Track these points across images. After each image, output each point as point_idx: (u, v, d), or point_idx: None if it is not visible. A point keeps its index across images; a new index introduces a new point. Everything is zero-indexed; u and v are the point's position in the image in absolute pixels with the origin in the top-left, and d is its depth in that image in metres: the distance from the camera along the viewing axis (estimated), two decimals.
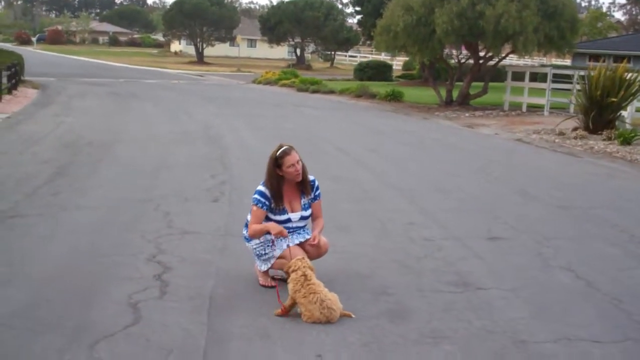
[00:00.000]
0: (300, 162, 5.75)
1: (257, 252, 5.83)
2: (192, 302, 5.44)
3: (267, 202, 5.74)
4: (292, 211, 5.85)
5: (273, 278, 5.92)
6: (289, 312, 5.26)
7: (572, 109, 24.22)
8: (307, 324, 5.07)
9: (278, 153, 5.72)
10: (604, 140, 17.99)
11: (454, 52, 28.81)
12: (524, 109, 25.82)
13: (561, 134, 19.25)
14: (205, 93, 29.32)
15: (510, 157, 14.76)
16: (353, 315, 5.22)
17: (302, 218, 5.90)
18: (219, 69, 55.80)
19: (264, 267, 5.83)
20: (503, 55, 26.74)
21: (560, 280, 6.25)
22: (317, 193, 5.95)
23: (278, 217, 5.80)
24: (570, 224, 8.49)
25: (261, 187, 5.79)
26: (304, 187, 5.88)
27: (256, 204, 5.76)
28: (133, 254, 6.58)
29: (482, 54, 26.50)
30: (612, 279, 6.32)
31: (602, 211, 9.28)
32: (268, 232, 5.66)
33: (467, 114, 24.30)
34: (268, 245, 5.75)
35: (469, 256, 6.89)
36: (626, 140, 17.06)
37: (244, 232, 5.95)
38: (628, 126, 19.30)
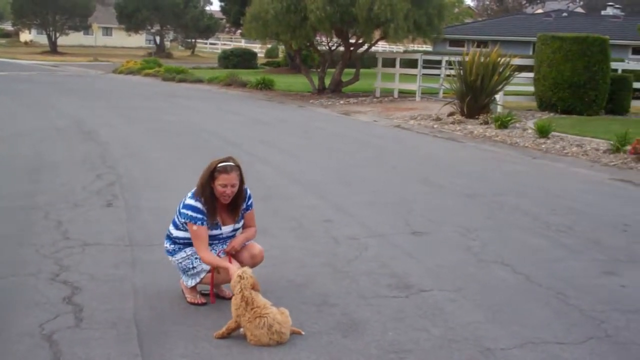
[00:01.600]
0: (234, 188, 5.12)
1: (183, 267, 5.18)
2: (115, 329, 4.74)
3: (204, 218, 5.09)
4: (224, 224, 5.25)
5: (202, 294, 5.28)
6: (231, 334, 4.64)
7: (441, 94, 24.71)
8: (255, 346, 4.47)
9: (218, 166, 5.08)
10: (481, 124, 18.33)
11: (325, 39, 28.62)
12: (396, 94, 26.07)
13: (438, 119, 19.49)
14: (65, 85, 27.58)
15: (398, 145, 14.70)
16: (302, 332, 4.70)
17: (234, 230, 5.33)
18: (75, 58, 53.00)
19: (191, 283, 5.20)
20: (373, 41, 26.83)
21: (499, 277, 6.03)
22: (249, 203, 5.34)
23: (210, 232, 5.15)
24: (484, 213, 8.35)
25: (191, 201, 5.14)
26: (233, 210, 5.27)
27: (194, 222, 5.08)
28: (31, 273, 5.75)
29: (352, 40, 26.45)
30: (549, 272, 6.17)
31: (507, 198, 9.24)
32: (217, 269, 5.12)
33: (341, 102, 24.20)
34: (196, 258, 5.10)
35: (399, 255, 6.55)
36: (503, 124, 17.45)
37: (166, 244, 5.29)
38: (500, 109, 19.81)
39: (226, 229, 5.23)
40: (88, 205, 8.12)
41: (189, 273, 5.18)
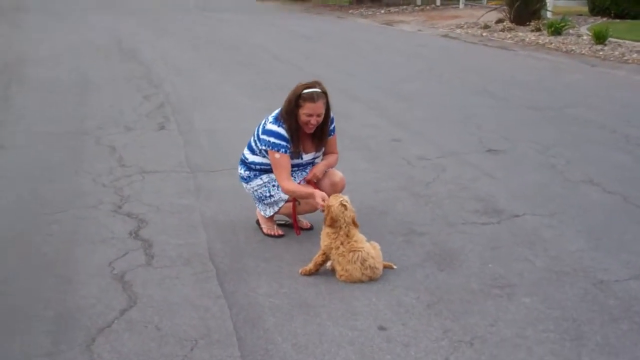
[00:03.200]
0: (320, 117, 4.62)
1: (259, 195, 4.77)
2: (190, 266, 4.38)
3: (288, 145, 4.62)
4: (305, 152, 4.77)
5: (279, 225, 4.88)
6: (319, 270, 4.26)
7: (486, 0, 23.60)
8: (347, 284, 4.10)
9: (303, 92, 4.55)
10: (532, 31, 17.46)
11: None
12: (438, 2, 25.02)
13: (486, 27, 18.60)
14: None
15: (448, 56, 14.02)
16: (394, 266, 4.29)
17: (315, 157, 4.86)
18: None
19: (269, 212, 4.80)
20: None
21: (593, 198, 5.56)
22: (331, 127, 4.82)
23: (292, 162, 4.67)
24: (557, 128, 7.81)
25: (273, 126, 4.65)
26: (317, 139, 4.78)
27: (276, 150, 4.62)
28: (92, 204, 5.38)
29: None
30: None
31: (576, 110, 8.66)
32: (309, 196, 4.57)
33: (382, 11, 23.31)
34: (274, 186, 4.67)
35: (479, 175, 6.09)
36: (557, 30, 16.56)
37: (241, 169, 4.91)
38: (550, 15, 18.81)
39: (307, 157, 4.79)
40: (140, 128, 7.73)
41: (266, 202, 4.78)
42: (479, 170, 6.21)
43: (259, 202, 4.82)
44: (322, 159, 4.86)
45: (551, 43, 15.80)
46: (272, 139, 4.55)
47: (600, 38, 15.08)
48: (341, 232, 4.17)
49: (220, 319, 3.75)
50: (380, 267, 4.21)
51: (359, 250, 4.13)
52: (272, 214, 4.79)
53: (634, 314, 3.75)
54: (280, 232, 4.85)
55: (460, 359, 3.37)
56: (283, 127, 4.58)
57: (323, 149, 4.82)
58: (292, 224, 4.87)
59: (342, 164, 5.15)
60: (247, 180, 4.81)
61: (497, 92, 9.75)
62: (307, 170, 4.80)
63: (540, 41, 16.08)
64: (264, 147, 4.59)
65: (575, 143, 7.18)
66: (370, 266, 4.15)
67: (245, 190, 4.89)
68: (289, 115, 4.56)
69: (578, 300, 3.93)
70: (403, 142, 7.18)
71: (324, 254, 4.23)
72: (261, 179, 4.75)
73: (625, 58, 13.59)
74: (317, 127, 4.63)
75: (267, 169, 4.71)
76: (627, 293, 4.01)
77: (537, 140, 7.17)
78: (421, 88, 10.08)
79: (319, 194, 4.37)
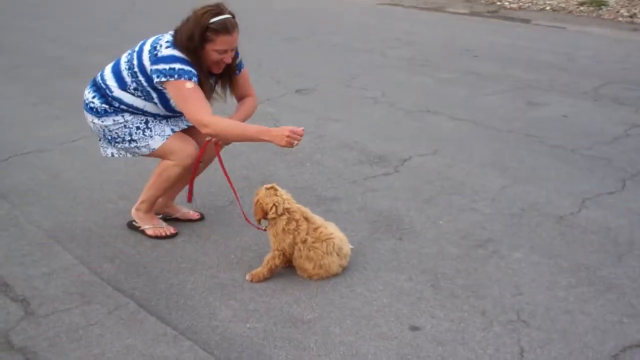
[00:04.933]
0: (234, 52, 3.44)
1: (113, 136, 3.56)
2: (97, 304, 3.12)
3: (197, 74, 3.34)
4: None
5: (166, 219, 3.76)
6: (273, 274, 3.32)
7: None
8: (322, 281, 3.24)
9: (213, 22, 3.29)
10: None
11: None
12: None
13: None
14: None
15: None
16: (351, 246, 3.51)
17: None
18: None
19: (110, 153, 3.68)
20: None
21: (449, 128, 5.38)
22: (238, 62, 3.60)
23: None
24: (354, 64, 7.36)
25: (175, 52, 3.33)
26: (223, 78, 3.60)
27: (187, 78, 3.30)
28: None
29: None
30: None
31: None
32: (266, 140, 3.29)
33: None
34: (140, 130, 3.51)
35: (320, 120, 5.37)
36: None
37: (93, 97, 3.55)
38: None
39: None
40: None
41: (120, 146, 3.57)
42: (309, 114, 5.50)
43: (110, 143, 3.58)
44: (238, 107, 3.66)
45: None
46: (177, 66, 3.28)
47: None
48: (300, 221, 3.22)
49: None
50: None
51: (331, 238, 3.25)
52: (169, 132, 3.53)
53: (615, 242, 3.54)
54: (173, 230, 3.69)
55: (532, 336, 2.77)
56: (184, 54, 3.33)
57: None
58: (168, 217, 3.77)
59: None
60: (100, 114, 3.51)
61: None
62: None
63: None
64: (163, 79, 3.29)
65: (371, 71, 6.83)
66: (345, 254, 3.31)
67: (88, 122, 3.59)
68: (191, 54, 3.33)
69: (565, 244, 3.57)
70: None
71: (282, 254, 3.25)
72: (123, 116, 3.49)
73: None
74: None
75: (135, 112, 3.48)
76: (594, 223, 3.76)
77: (340, 75, 6.68)
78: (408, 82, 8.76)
79: (287, 128, 3.23)
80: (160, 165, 3.57)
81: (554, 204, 4.00)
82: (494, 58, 7.61)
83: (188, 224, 3.82)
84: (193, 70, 3.28)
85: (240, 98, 3.65)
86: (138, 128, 3.49)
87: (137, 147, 3.51)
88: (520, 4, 11.24)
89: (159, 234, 3.67)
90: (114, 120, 3.50)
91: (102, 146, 3.66)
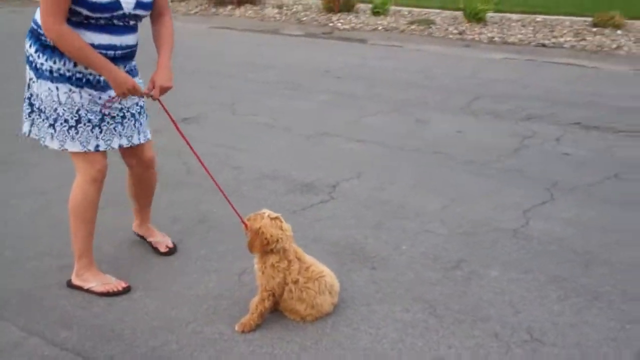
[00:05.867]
0: None
1: (42, 108, 3.09)
2: None
3: None
4: None
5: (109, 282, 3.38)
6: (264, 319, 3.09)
7: None
8: (317, 322, 3.06)
9: None
10: None
11: None
12: None
13: None
14: None
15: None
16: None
17: (141, 6, 3.03)
18: None
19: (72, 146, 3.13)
20: None
21: (359, 151, 5.26)
22: None
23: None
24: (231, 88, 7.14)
25: None
26: None
27: None
28: None
29: None
30: None
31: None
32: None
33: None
34: (65, 120, 3.06)
35: (227, 151, 5.16)
36: None
37: (31, 46, 3.05)
38: None
39: (129, 1, 2.96)
40: None
41: (59, 128, 3.07)
42: (208, 143, 5.25)
43: (49, 126, 3.08)
44: (155, 26, 3.22)
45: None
46: None
47: None
48: (293, 261, 3.02)
49: None
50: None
51: (323, 276, 3.08)
52: (92, 148, 3.11)
53: (574, 251, 3.67)
54: (124, 284, 3.32)
55: (553, 354, 2.79)
56: None
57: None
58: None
59: None
60: (39, 73, 3.02)
61: None
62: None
63: None
64: None
65: (246, 97, 6.66)
66: (336, 291, 3.15)
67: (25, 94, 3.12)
68: None
69: (530, 257, 3.66)
70: None
71: (272, 295, 3.02)
72: (57, 98, 3.04)
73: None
74: None
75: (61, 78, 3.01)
76: (546, 234, 3.89)
77: (218, 101, 6.43)
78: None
79: (133, 81, 2.98)
80: (70, 201, 3.17)
81: (499, 218, 4.07)
82: (355, 78, 7.72)
83: (136, 273, 3.42)
84: None
85: (157, 13, 3.18)
86: (66, 121, 3.03)
87: (52, 135, 3.04)
88: (352, 24, 11.54)
89: (109, 290, 3.26)
90: (48, 90, 3.00)
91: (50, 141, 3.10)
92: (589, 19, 11.12)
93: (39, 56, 3.00)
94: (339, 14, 12.05)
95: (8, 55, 8.92)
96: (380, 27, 11.34)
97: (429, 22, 11.30)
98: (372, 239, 3.82)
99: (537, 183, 4.62)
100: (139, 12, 3.02)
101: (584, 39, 10.14)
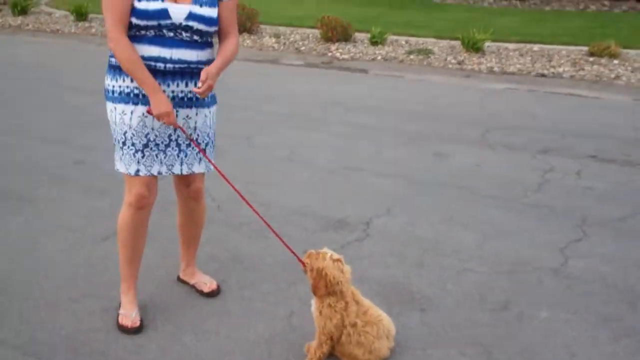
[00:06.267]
0: None
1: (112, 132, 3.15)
2: None
3: None
4: (177, 0, 2.91)
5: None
6: None
7: None
8: None
9: None
10: None
11: None
12: None
13: None
14: None
15: None
16: None
17: (195, 18, 2.93)
18: None
19: (125, 168, 3.16)
20: None
21: (385, 187, 5.25)
22: None
23: (145, 4, 2.86)
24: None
25: None
26: None
27: None
28: None
29: None
30: None
31: None
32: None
33: None
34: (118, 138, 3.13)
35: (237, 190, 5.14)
36: (23, 10, 15.06)
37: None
38: None
39: (177, 10, 2.90)
40: None
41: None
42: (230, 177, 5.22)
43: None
44: (219, 47, 3.13)
45: (28, 24, 14.26)
46: None
47: (81, 14, 14.26)
48: (350, 303, 3.00)
49: None
50: None
51: (380, 320, 3.06)
52: (133, 172, 3.11)
53: (617, 289, 3.69)
54: (137, 324, 3.29)
55: None
56: None
57: (214, 7, 3.00)
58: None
59: None
60: (105, 94, 3.11)
61: None
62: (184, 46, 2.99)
63: (14, 23, 14.34)
64: None
65: (261, 129, 6.64)
66: (393, 336, 3.13)
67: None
68: None
69: (575, 297, 3.67)
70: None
71: (330, 339, 2.99)
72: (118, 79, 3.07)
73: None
74: None
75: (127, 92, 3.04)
76: (587, 272, 3.90)
77: (233, 133, 6.38)
78: None
79: (171, 112, 2.97)
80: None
81: (538, 256, 4.07)
82: (365, 109, 7.74)
83: (182, 315, 3.39)
84: None
85: (223, 32, 3.11)
86: (117, 140, 3.10)
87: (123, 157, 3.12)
88: (352, 54, 11.60)
89: (122, 324, 3.28)
90: (109, 110, 3.09)
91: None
92: (585, 48, 11.24)
93: (106, 78, 3.06)
94: (337, 44, 12.09)
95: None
96: (379, 57, 11.39)
97: (427, 52, 11.38)
98: (415, 278, 3.80)
99: (567, 219, 4.63)
100: (193, 23, 2.94)
101: (582, 69, 10.24)
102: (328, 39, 12.06)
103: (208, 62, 3.08)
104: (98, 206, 4.79)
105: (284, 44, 12.24)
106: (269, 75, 9.97)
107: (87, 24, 13.92)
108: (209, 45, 3.11)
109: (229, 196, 4.55)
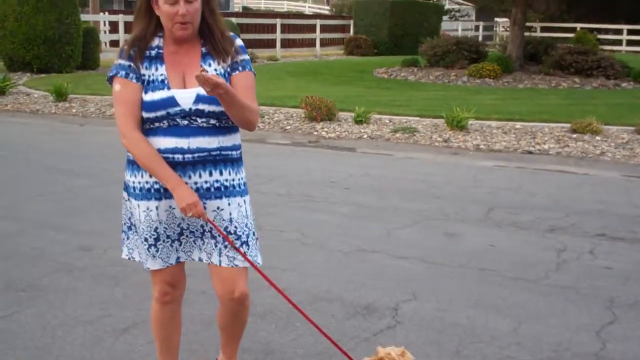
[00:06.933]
0: (193, 3, 2.77)
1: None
2: None
3: (129, 65, 2.85)
4: (185, 86, 2.83)
5: None
6: None
7: None
8: None
9: None
10: None
11: None
12: None
13: None
14: None
15: None
16: None
17: (205, 101, 2.79)
18: None
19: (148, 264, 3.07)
20: None
21: (388, 264, 5.16)
22: (243, 58, 2.91)
23: (151, 95, 2.80)
24: None
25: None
26: (210, 43, 2.89)
27: (115, 74, 2.86)
28: None
29: None
30: None
31: None
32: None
33: None
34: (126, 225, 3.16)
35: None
36: (1, 91, 14.98)
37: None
38: None
39: (184, 95, 2.80)
40: None
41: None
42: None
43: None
44: None
45: (7, 105, 14.18)
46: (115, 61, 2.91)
47: (61, 95, 14.22)
48: None
49: None
50: None
51: None
52: (154, 266, 3.01)
53: None
54: None
55: None
56: (123, 55, 2.88)
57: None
58: None
59: None
60: (124, 188, 3.08)
61: None
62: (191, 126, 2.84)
63: None
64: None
65: (266, 210, 6.55)
66: None
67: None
68: (142, 16, 2.85)
69: None
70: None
71: None
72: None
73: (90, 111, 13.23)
74: (209, 39, 2.88)
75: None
76: (627, 356, 3.83)
77: None
78: None
79: (198, 203, 2.84)
80: None
81: (574, 341, 4.01)
82: (363, 189, 7.71)
83: None
84: (122, 62, 2.82)
85: None
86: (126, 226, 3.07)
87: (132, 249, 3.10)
88: (337, 133, 11.67)
89: None
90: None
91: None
92: (566, 125, 11.47)
93: (126, 174, 2.97)
94: (321, 123, 12.16)
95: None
96: (365, 136, 11.47)
97: (412, 130, 11.50)
98: None
99: (594, 300, 4.59)
100: (204, 107, 2.80)
101: (567, 146, 10.41)
102: (312, 118, 12.14)
103: (234, 147, 2.98)
104: (111, 295, 4.63)
105: (269, 123, 12.28)
106: (260, 155, 9.93)
107: (67, 104, 13.86)
108: (232, 129, 2.95)
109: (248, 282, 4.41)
